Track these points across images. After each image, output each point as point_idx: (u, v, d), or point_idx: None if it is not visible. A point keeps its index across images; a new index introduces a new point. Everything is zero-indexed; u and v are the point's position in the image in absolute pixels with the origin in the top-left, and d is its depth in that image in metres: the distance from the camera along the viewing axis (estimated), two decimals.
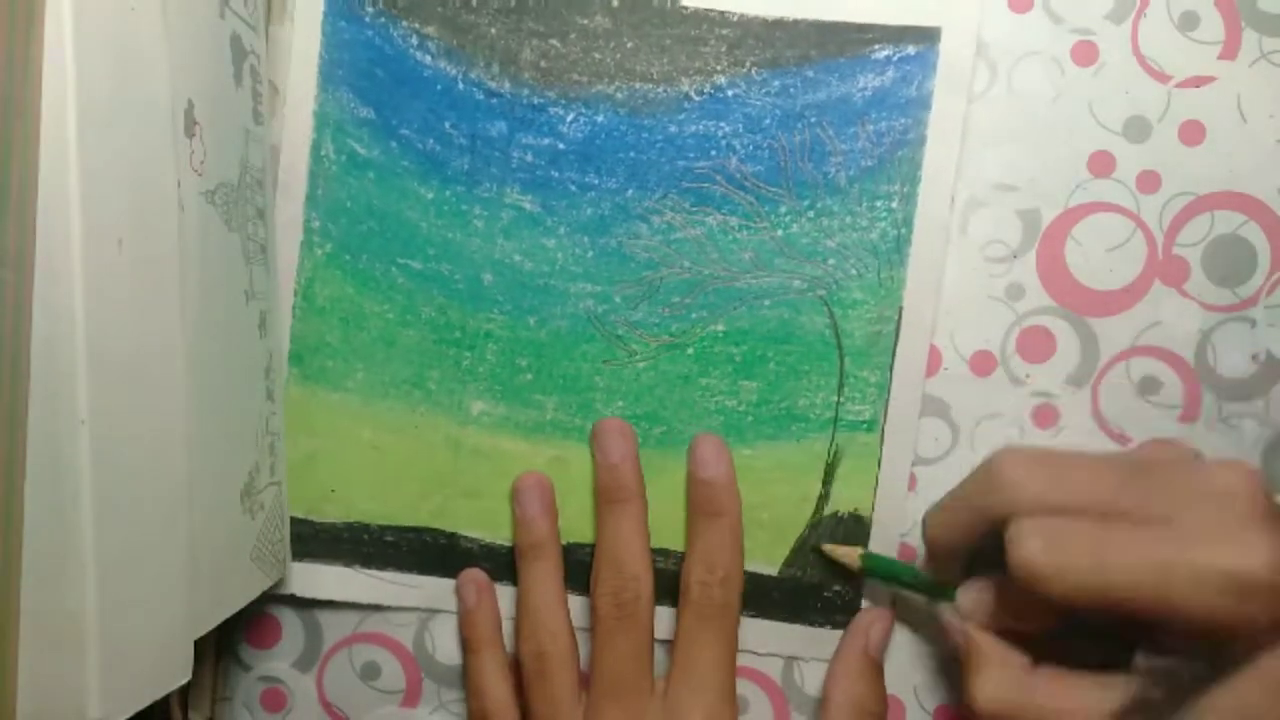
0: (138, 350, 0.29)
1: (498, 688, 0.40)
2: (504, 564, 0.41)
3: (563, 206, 0.40)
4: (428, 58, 0.40)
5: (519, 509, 0.40)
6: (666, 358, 0.40)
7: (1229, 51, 0.38)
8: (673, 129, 0.40)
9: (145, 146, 0.29)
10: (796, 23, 0.39)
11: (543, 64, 0.40)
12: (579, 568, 0.40)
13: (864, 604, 0.40)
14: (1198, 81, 0.39)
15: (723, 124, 0.39)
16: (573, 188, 0.40)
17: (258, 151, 0.38)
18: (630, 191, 0.40)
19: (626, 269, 0.40)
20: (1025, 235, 0.39)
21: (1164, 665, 0.32)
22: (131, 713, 0.29)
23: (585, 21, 0.40)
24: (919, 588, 0.38)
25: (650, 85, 0.40)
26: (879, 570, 0.39)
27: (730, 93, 0.39)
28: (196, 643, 0.32)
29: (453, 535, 0.41)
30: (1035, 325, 0.39)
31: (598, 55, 0.40)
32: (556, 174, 0.40)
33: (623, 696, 0.38)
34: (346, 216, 0.41)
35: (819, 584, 0.40)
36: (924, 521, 0.38)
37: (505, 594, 0.41)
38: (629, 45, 0.40)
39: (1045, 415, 0.40)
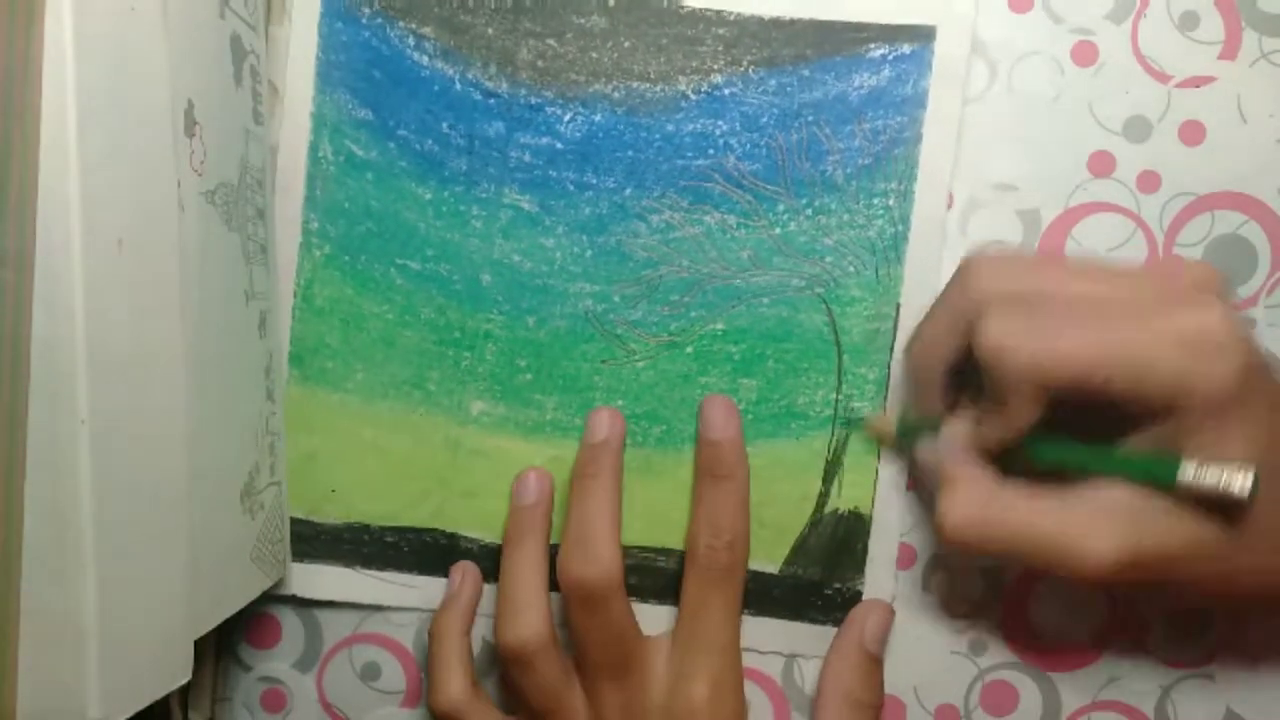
0: (138, 350, 0.29)
1: (455, 684, 0.39)
2: None
3: (561, 206, 0.40)
4: (425, 58, 0.40)
5: (513, 498, 0.40)
6: (666, 357, 0.40)
7: (1229, 51, 0.38)
8: (670, 128, 0.40)
9: (145, 146, 0.29)
10: (793, 22, 0.39)
11: (540, 64, 0.40)
12: None
13: (865, 598, 0.40)
14: (1198, 81, 0.39)
15: (720, 123, 0.40)
16: (571, 187, 0.40)
17: (258, 151, 0.38)
18: (628, 191, 0.40)
19: (625, 268, 0.40)
20: (1025, 235, 0.39)
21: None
22: (131, 713, 0.29)
23: (582, 21, 0.40)
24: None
25: (647, 84, 0.40)
26: (910, 431, 0.38)
27: (727, 92, 0.39)
28: (196, 643, 0.32)
29: (453, 536, 0.41)
30: None
31: (595, 55, 0.40)
32: (554, 174, 0.40)
33: (619, 672, 0.38)
34: (345, 217, 0.41)
35: (820, 582, 0.40)
36: (906, 346, 0.38)
37: None
38: (626, 45, 0.40)
39: None
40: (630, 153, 0.40)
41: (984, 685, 0.40)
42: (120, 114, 0.28)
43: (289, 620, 0.42)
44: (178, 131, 0.31)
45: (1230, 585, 0.33)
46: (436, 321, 0.41)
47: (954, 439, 0.36)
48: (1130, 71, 0.39)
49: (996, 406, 0.34)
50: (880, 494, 0.40)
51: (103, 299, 0.27)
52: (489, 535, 0.41)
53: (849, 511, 0.40)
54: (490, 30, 0.40)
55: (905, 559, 0.40)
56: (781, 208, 0.40)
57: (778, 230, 0.40)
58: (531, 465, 0.41)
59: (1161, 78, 0.39)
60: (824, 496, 0.40)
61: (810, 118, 0.39)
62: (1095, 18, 0.39)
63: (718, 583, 0.38)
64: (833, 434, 0.40)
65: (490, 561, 0.41)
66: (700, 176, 0.40)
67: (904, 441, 0.39)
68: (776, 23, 0.39)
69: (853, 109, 0.39)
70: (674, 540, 0.40)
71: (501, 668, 0.41)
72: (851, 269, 0.40)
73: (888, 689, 0.40)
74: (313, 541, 0.41)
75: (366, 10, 0.40)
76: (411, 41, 0.40)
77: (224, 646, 0.42)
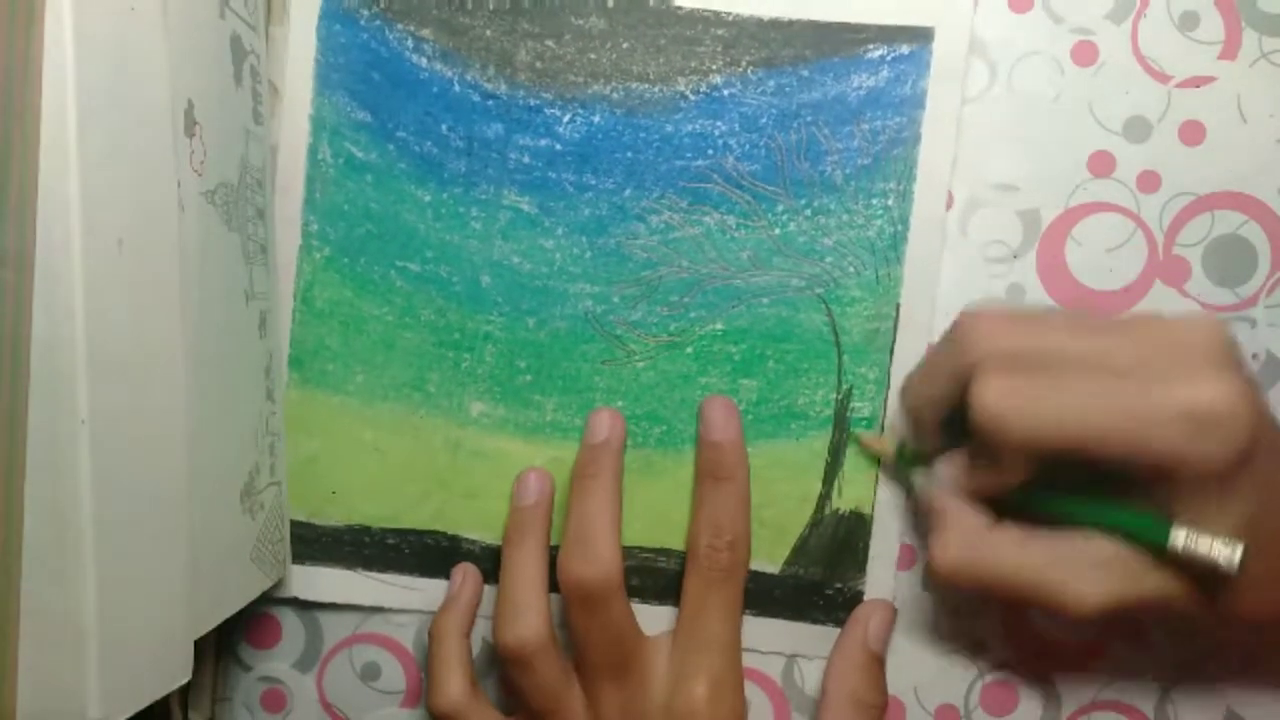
0: (138, 350, 0.29)
1: (454, 685, 0.39)
2: None
3: (560, 207, 0.40)
4: (423, 60, 0.40)
5: (513, 498, 0.40)
6: (666, 357, 0.40)
7: (1229, 51, 0.39)
8: (669, 129, 0.40)
9: (145, 146, 0.29)
10: (791, 23, 0.39)
11: (538, 65, 0.40)
12: None
13: (866, 598, 0.40)
14: (1198, 81, 0.39)
15: (719, 123, 0.40)
16: (570, 188, 0.40)
17: (258, 151, 0.38)
18: (627, 191, 0.40)
19: (625, 269, 0.40)
20: (1025, 236, 0.39)
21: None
22: (131, 713, 0.29)
23: (580, 22, 0.40)
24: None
25: (646, 85, 0.40)
26: (908, 458, 0.38)
27: (726, 92, 0.40)
28: (196, 643, 0.32)
29: (454, 537, 0.41)
30: None
31: (593, 56, 0.40)
32: (554, 175, 0.40)
33: (619, 673, 0.38)
34: (344, 220, 0.41)
35: (821, 582, 0.40)
36: (902, 390, 0.38)
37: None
38: (624, 46, 0.40)
39: None
40: (629, 154, 0.40)
41: (984, 685, 0.40)
42: (120, 114, 0.28)
43: (289, 620, 0.42)
44: (178, 131, 0.31)
45: (1213, 624, 0.33)
46: (436, 323, 0.41)
47: (947, 477, 0.36)
48: (1130, 71, 0.39)
49: (989, 462, 0.34)
50: (881, 494, 0.40)
51: (103, 299, 0.27)
52: (490, 536, 0.41)
53: (850, 511, 0.40)
54: (489, 32, 0.40)
55: (906, 559, 0.40)
56: (781, 208, 0.40)
57: (777, 231, 0.40)
58: (532, 466, 0.41)
59: (1161, 78, 0.39)
60: (824, 497, 0.40)
61: (809, 118, 0.39)
62: (1095, 18, 0.39)
63: (718, 583, 0.38)
64: (833, 434, 0.40)
65: (491, 563, 0.41)
66: (699, 177, 0.40)
67: (900, 467, 0.39)
68: (775, 23, 0.39)
69: (851, 109, 0.39)
70: (674, 541, 0.40)
71: (501, 668, 0.41)
72: (851, 269, 0.40)
73: (889, 689, 0.40)
74: (314, 544, 0.41)
75: (365, 12, 0.40)
76: (410, 43, 0.40)
77: (224, 646, 0.42)
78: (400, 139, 0.40)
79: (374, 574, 0.41)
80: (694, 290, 0.40)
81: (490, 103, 0.40)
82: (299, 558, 0.41)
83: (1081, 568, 0.33)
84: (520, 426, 0.41)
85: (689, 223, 0.40)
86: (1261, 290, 0.39)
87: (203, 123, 0.33)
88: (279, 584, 0.40)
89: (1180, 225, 0.39)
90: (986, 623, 0.40)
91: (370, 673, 0.42)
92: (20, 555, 0.27)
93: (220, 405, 0.34)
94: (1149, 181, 0.39)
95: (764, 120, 0.39)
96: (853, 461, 0.40)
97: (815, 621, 0.40)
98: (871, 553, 0.40)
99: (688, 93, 0.40)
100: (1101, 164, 0.39)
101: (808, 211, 0.40)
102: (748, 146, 0.40)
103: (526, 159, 0.40)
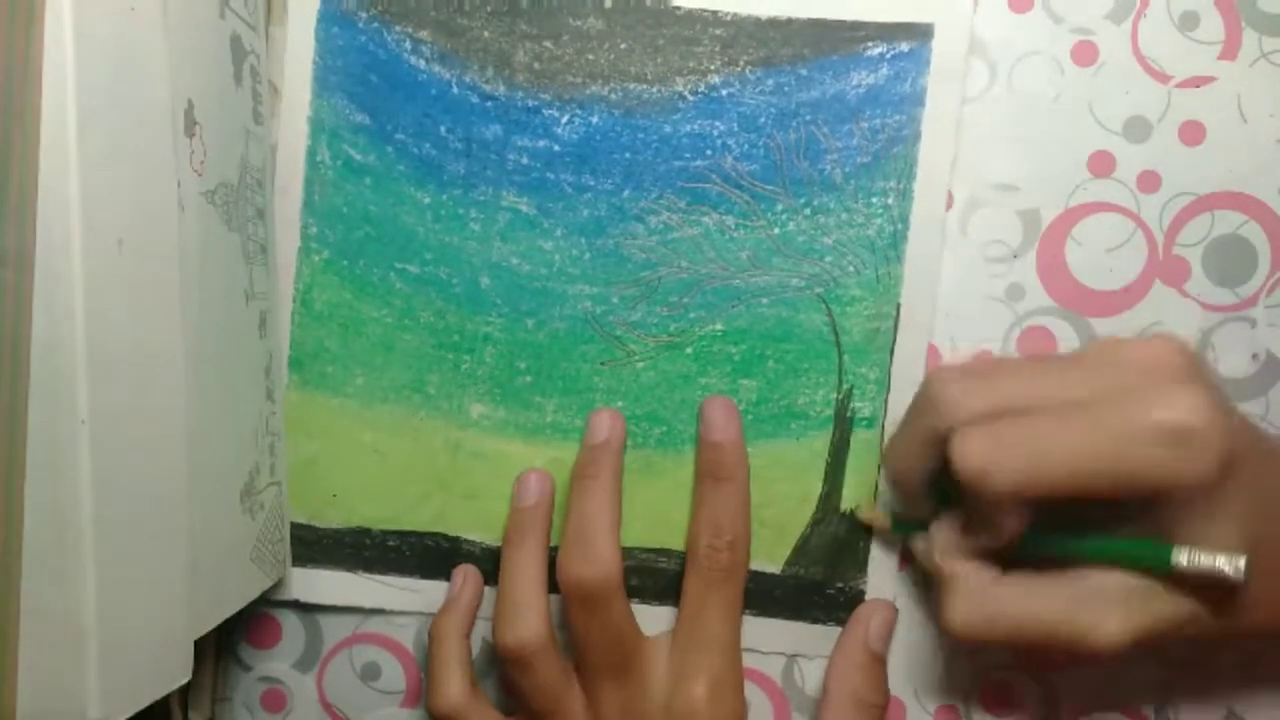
0: (138, 350, 0.29)
1: (454, 686, 0.39)
2: None
3: (559, 208, 0.40)
4: (421, 62, 0.40)
5: (513, 499, 0.40)
6: (665, 358, 0.40)
7: (1229, 51, 0.39)
8: (668, 129, 0.40)
9: (145, 146, 0.29)
10: (789, 21, 0.39)
11: (536, 66, 0.40)
12: None
13: (867, 598, 0.40)
14: (1198, 81, 0.39)
15: (718, 123, 0.40)
16: (569, 189, 0.40)
17: (258, 151, 0.38)
18: (626, 192, 0.40)
19: (624, 270, 0.40)
20: (1025, 235, 0.39)
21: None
22: (131, 713, 0.29)
23: (578, 23, 0.40)
24: None
25: (644, 86, 0.40)
26: (904, 526, 0.39)
27: (725, 92, 0.40)
28: (196, 643, 0.32)
29: (454, 539, 0.41)
30: (1035, 326, 0.39)
31: (591, 56, 0.40)
32: (552, 176, 0.40)
33: (619, 673, 0.38)
34: (343, 222, 0.41)
35: (821, 581, 0.40)
36: (883, 458, 0.38)
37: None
38: (622, 46, 0.40)
39: None
40: (628, 154, 0.40)
41: (984, 685, 0.40)
42: (120, 114, 0.28)
43: (289, 620, 0.42)
44: (178, 131, 0.31)
45: (1235, 637, 0.33)
46: (436, 325, 0.41)
47: (944, 542, 0.36)
48: (1130, 71, 0.39)
49: (983, 521, 0.34)
50: (881, 493, 0.40)
51: (103, 299, 0.27)
52: (490, 538, 0.41)
53: (850, 511, 0.40)
54: (487, 33, 0.40)
55: (906, 559, 0.40)
56: (780, 207, 0.40)
57: (776, 230, 0.40)
58: (532, 467, 0.41)
59: (1161, 78, 0.39)
60: (825, 496, 0.40)
61: (808, 117, 0.39)
62: (1095, 18, 0.39)
63: (718, 583, 0.38)
64: (833, 434, 0.40)
65: (492, 564, 0.41)
66: (698, 177, 0.40)
67: (898, 533, 0.39)
68: (773, 22, 0.39)
69: (851, 108, 0.39)
70: (675, 541, 0.40)
71: (501, 668, 0.41)
72: (851, 268, 0.40)
73: (889, 689, 0.40)
74: (314, 546, 0.41)
75: (363, 15, 0.40)
76: (408, 45, 0.40)
77: (224, 646, 0.42)
78: (399, 141, 0.40)
79: (374, 576, 0.41)
80: (693, 290, 0.40)
81: (488, 104, 0.40)
82: (299, 560, 0.41)
83: (1096, 605, 0.33)
84: (520, 428, 0.41)
85: (688, 223, 0.40)
86: (1261, 290, 0.39)
87: (203, 123, 0.33)
88: (279, 586, 0.40)
89: (1180, 225, 0.39)
90: None
91: (370, 673, 0.42)
92: (20, 555, 0.27)
93: (220, 405, 0.34)
94: (1149, 181, 0.39)
95: (763, 119, 0.39)
96: (853, 461, 0.40)
97: (816, 621, 0.40)
98: (872, 552, 0.40)
99: (686, 93, 0.40)
100: (1101, 164, 0.39)
101: (807, 211, 0.40)
102: (746, 146, 0.40)
103: (525, 160, 0.40)
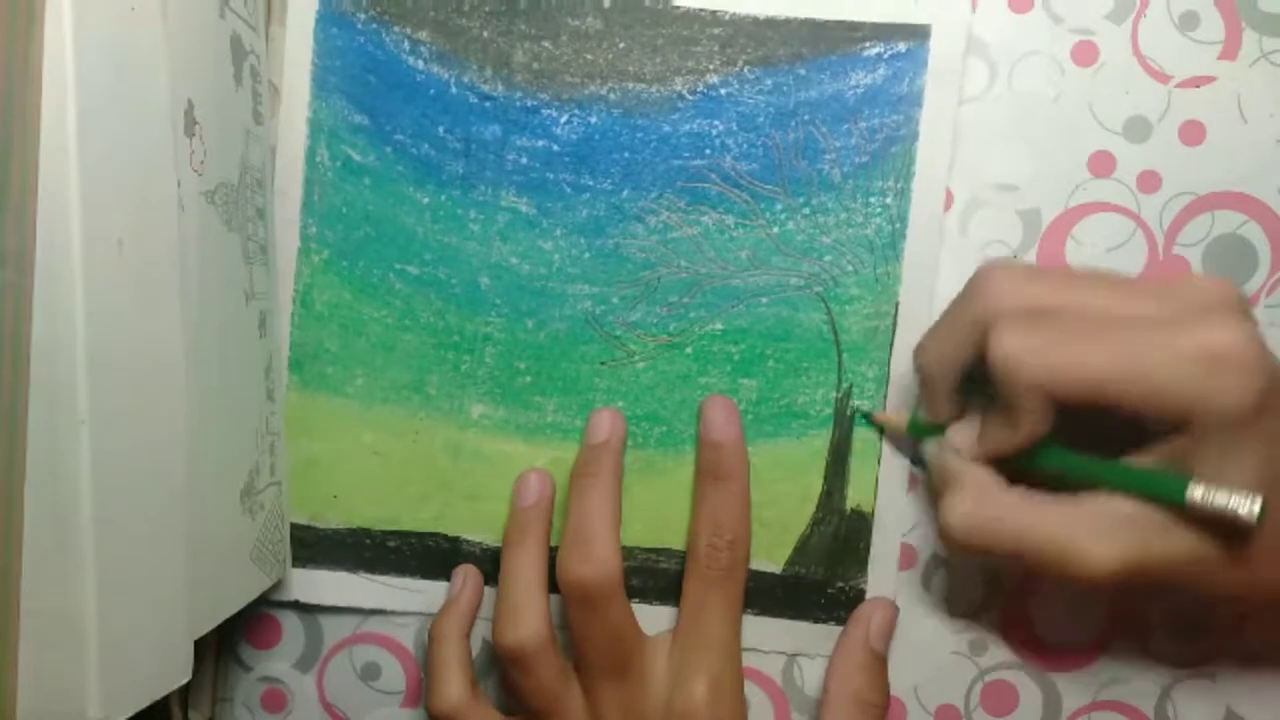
0: (138, 350, 0.29)
1: (454, 687, 0.39)
2: None
3: (558, 208, 0.40)
4: (420, 62, 0.40)
5: (513, 499, 0.40)
6: (665, 357, 0.40)
7: (1229, 51, 0.39)
8: (666, 129, 0.40)
9: (145, 146, 0.29)
10: (788, 21, 0.39)
11: (535, 66, 0.40)
12: None
13: (867, 597, 0.40)
14: (1198, 81, 0.39)
15: (716, 123, 0.40)
16: (568, 189, 0.40)
17: (258, 151, 0.38)
18: (625, 192, 0.40)
19: (623, 269, 0.40)
20: (1025, 235, 0.39)
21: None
22: (131, 713, 0.29)
23: (576, 23, 0.40)
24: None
25: (643, 85, 0.40)
26: (920, 429, 0.38)
27: (723, 91, 0.40)
28: (196, 643, 0.32)
29: (455, 539, 0.41)
30: None
31: (590, 56, 0.40)
32: (551, 176, 0.40)
33: (619, 673, 0.38)
34: (343, 223, 0.41)
35: (822, 581, 0.40)
36: (916, 351, 0.37)
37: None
38: (621, 46, 0.40)
39: None
40: (627, 154, 0.40)
41: (984, 685, 0.40)
42: (120, 114, 0.28)
43: (289, 620, 0.42)
44: (178, 131, 0.31)
45: (1232, 593, 0.33)
46: (435, 325, 0.41)
47: (960, 442, 0.36)
48: (1130, 71, 0.39)
49: (1006, 416, 0.34)
50: (882, 492, 0.40)
51: (103, 299, 0.27)
52: (491, 538, 0.41)
53: (851, 510, 0.40)
54: (485, 33, 0.40)
55: (906, 559, 0.40)
56: (779, 207, 0.40)
57: (775, 229, 0.40)
58: (532, 467, 0.41)
59: (1161, 78, 0.39)
60: (826, 496, 0.40)
61: (806, 117, 0.39)
62: (1095, 18, 0.39)
63: (718, 582, 0.38)
64: (834, 433, 0.40)
65: (492, 564, 0.41)
66: (697, 177, 0.40)
67: (913, 438, 0.39)
68: (771, 22, 0.39)
69: (849, 107, 0.39)
70: (675, 541, 0.40)
71: (501, 668, 0.41)
72: (850, 267, 0.40)
73: (889, 689, 0.40)
74: (315, 547, 0.41)
75: (361, 16, 0.40)
76: (407, 46, 0.40)
77: (224, 646, 0.42)
78: (398, 141, 0.40)
79: (375, 576, 0.41)
80: (693, 290, 0.40)
81: (487, 104, 0.40)
82: (299, 560, 0.41)
83: (1096, 527, 0.32)
84: (520, 428, 0.41)
85: (687, 222, 0.40)
86: (1262, 290, 0.39)
87: (203, 123, 0.33)
88: (279, 586, 0.40)
89: (1180, 225, 0.39)
90: (986, 622, 0.40)
91: (370, 673, 0.42)
92: (20, 555, 0.27)
93: (220, 405, 0.34)
94: (1149, 181, 0.39)
95: (761, 119, 0.40)
96: (854, 461, 0.40)
97: (816, 620, 0.40)
98: (873, 551, 0.40)
99: (685, 92, 0.40)
100: (1101, 164, 0.39)
101: (806, 210, 0.40)
102: (745, 145, 0.40)
103: (524, 160, 0.40)
